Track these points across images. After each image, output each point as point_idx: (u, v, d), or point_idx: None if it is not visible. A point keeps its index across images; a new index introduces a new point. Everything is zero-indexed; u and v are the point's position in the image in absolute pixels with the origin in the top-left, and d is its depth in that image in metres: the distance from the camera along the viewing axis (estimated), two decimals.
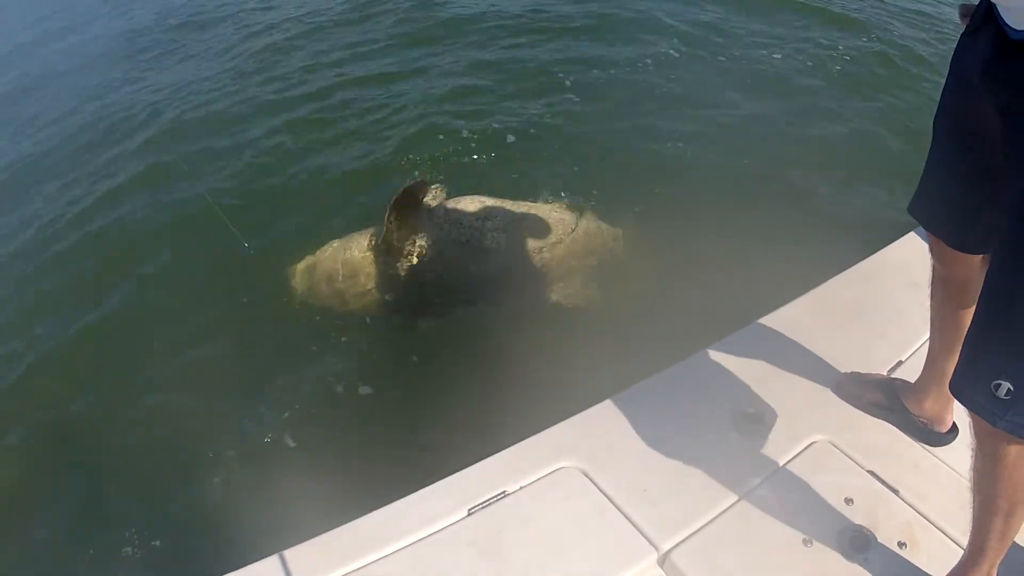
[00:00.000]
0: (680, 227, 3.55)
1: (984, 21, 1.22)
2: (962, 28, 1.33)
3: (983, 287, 1.24)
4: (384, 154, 4.40)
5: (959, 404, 1.79)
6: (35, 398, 3.13)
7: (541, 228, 3.38)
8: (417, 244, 3.30)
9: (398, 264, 3.28)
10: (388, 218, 3.20)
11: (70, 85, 6.06)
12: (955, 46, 1.35)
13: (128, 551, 2.46)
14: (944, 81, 1.41)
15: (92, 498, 2.68)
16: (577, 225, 3.44)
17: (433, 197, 3.61)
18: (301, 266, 3.39)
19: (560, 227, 3.40)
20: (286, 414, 2.86)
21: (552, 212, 3.49)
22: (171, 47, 6.47)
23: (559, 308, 3.16)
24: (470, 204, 3.39)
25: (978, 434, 1.31)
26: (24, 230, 4.25)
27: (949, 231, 1.53)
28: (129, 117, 5.29)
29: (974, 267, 1.54)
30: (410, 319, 3.30)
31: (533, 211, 3.46)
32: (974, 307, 1.56)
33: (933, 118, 1.45)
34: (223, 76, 5.66)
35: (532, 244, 3.33)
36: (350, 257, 3.33)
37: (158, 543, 2.47)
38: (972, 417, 1.30)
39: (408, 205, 3.26)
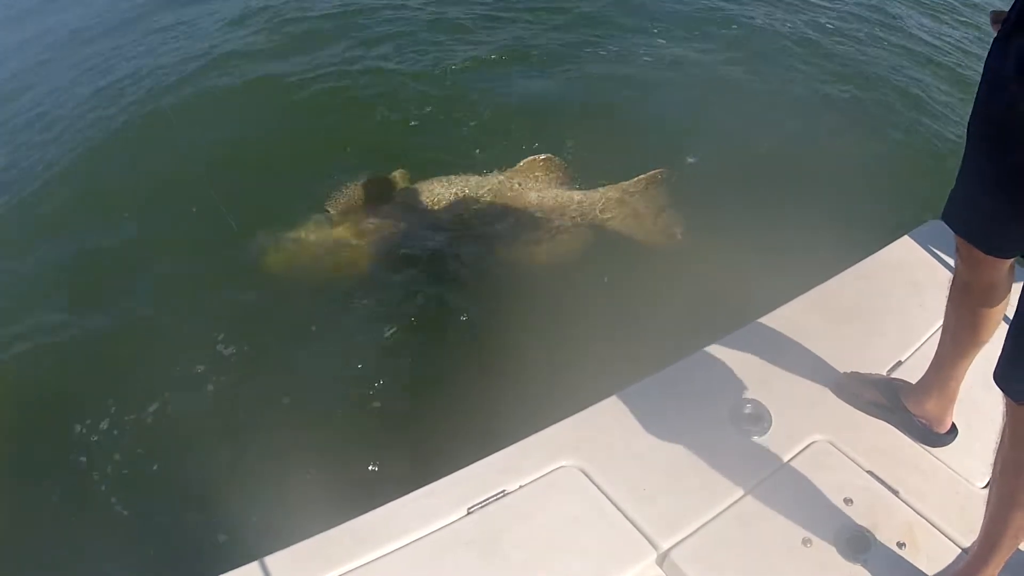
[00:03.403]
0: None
1: (1016, 26, 1.23)
2: (994, 34, 1.33)
3: None
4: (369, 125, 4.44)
5: (959, 405, 1.83)
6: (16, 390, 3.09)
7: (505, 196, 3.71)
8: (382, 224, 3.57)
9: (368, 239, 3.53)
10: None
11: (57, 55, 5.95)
12: (987, 52, 1.35)
13: (124, 550, 2.45)
14: (976, 87, 1.40)
15: (83, 494, 2.65)
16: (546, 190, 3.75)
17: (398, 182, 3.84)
18: (275, 253, 3.46)
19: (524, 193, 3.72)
20: (282, 413, 2.85)
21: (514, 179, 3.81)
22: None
23: (545, 287, 3.21)
24: (432, 184, 3.69)
25: (1012, 424, 1.33)
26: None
27: (982, 236, 1.51)
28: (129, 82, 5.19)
29: (1002, 272, 1.54)
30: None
31: (494, 182, 3.77)
32: (992, 310, 1.59)
33: (967, 124, 1.45)
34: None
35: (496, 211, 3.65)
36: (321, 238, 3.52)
37: (155, 542, 2.46)
38: (1008, 406, 1.32)
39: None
